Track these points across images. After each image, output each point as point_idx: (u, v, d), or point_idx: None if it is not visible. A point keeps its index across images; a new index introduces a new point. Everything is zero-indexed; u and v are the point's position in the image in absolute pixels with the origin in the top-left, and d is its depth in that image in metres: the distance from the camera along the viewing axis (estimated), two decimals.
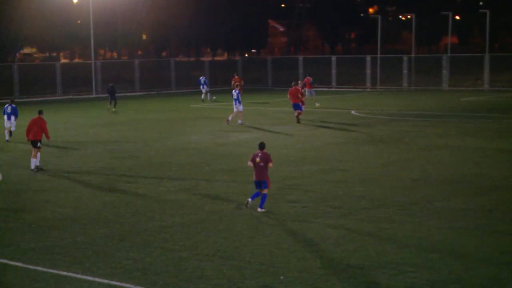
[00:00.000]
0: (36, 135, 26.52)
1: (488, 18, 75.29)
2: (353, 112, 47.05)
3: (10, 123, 35.54)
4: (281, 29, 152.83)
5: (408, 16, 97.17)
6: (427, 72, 73.59)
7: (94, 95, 68.30)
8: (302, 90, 45.54)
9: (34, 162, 26.58)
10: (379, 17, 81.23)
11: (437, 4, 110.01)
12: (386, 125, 39.01)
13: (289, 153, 29.75)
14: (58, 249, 16.22)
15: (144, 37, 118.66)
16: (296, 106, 41.39)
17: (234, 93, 41.31)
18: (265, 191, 19.62)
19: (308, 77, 53.27)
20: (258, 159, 19.61)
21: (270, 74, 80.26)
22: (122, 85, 69.23)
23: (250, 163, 19.85)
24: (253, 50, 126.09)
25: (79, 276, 14.30)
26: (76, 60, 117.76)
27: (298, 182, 23.62)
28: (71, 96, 66.36)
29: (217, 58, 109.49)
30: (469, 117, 43.02)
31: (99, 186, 23.60)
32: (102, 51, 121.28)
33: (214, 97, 61.16)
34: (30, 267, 14.95)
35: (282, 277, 14.08)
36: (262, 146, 20.02)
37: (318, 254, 15.47)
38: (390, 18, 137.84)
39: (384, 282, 13.68)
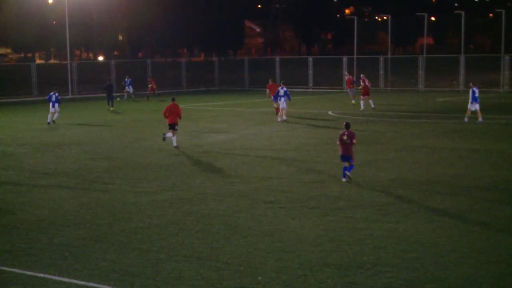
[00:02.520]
0: (173, 119, 30.85)
1: (463, 19, 75.77)
2: (330, 112, 47.17)
3: (54, 109, 42.28)
4: (258, 30, 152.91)
5: (384, 17, 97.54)
6: (403, 72, 74.03)
7: (70, 96, 68.00)
8: (369, 84, 47.65)
9: (175, 139, 31.09)
10: (355, 18, 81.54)
11: (413, 5, 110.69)
12: (363, 126, 39.14)
13: (266, 154, 29.78)
14: (34, 250, 16.12)
15: (120, 37, 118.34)
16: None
17: (281, 90, 41.41)
18: (352, 162, 23.11)
19: (349, 76, 56.06)
20: (345, 137, 22.82)
21: (247, 75, 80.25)
22: (98, 86, 68.95)
23: (338, 142, 23.05)
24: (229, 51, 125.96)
25: (56, 277, 14.23)
26: (52, 61, 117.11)
27: (275, 182, 23.62)
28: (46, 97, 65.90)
29: (194, 59, 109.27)
30: (445, 117, 43.27)
31: (75, 187, 23.47)
32: (78, 52, 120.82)
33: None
34: (7, 269, 14.85)
35: (260, 277, 14.08)
36: (347, 125, 23.25)
37: (295, 255, 15.48)
38: (366, 19, 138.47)
39: (362, 282, 13.72)
